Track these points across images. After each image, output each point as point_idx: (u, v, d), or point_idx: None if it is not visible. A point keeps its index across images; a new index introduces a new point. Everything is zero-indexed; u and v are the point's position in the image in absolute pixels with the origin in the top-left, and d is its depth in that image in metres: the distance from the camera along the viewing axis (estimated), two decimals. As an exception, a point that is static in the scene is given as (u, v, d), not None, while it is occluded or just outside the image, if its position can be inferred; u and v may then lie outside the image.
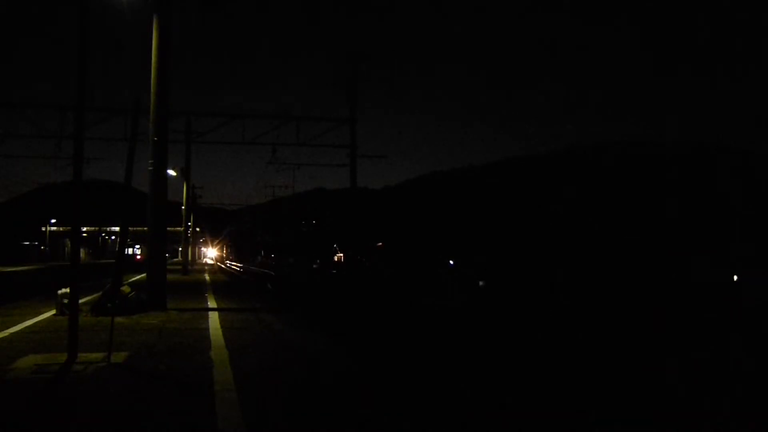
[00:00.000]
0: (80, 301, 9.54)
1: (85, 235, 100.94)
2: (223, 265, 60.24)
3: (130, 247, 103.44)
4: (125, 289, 14.06)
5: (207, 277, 33.84)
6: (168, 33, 14.16)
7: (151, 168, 13.98)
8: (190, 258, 46.43)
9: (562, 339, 12.85)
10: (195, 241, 64.42)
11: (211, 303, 16.33)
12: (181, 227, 41.96)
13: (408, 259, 73.60)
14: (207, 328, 10.91)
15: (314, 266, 68.33)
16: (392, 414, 5.77)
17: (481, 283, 33.46)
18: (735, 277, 37.64)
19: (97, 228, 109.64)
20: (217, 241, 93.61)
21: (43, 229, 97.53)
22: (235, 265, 57.51)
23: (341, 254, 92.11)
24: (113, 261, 15.69)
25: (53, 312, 12.62)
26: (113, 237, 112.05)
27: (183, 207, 40.44)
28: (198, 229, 73.46)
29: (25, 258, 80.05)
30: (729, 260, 51.49)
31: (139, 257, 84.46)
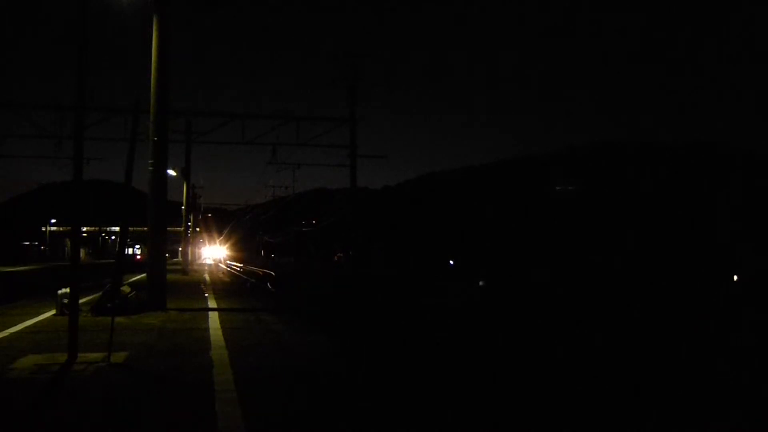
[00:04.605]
0: (80, 301, 9.54)
1: (85, 235, 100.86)
2: (223, 265, 60.24)
3: (130, 247, 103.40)
4: (125, 289, 14.07)
5: (207, 277, 33.84)
6: (168, 33, 14.17)
7: (151, 168, 13.97)
8: (190, 258, 46.42)
9: (559, 339, 12.85)
10: (195, 241, 64.36)
11: (211, 303, 16.33)
12: (181, 227, 41.95)
13: (408, 259, 73.60)
14: (207, 329, 10.91)
15: (315, 266, 68.31)
16: (390, 416, 5.77)
17: (481, 283, 33.48)
18: (735, 277, 37.66)
19: (97, 228, 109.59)
20: (217, 241, 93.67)
21: (43, 229, 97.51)
22: (235, 265, 57.48)
23: (341, 254, 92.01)
24: (113, 261, 15.64)
25: (53, 312, 12.62)
26: (113, 237, 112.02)
27: (183, 207, 40.43)
28: (198, 229, 73.37)
29: (25, 258, 80.00)
30: (729, 260, 51.47)
31: (139, 257, 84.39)
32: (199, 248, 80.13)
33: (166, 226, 14.80)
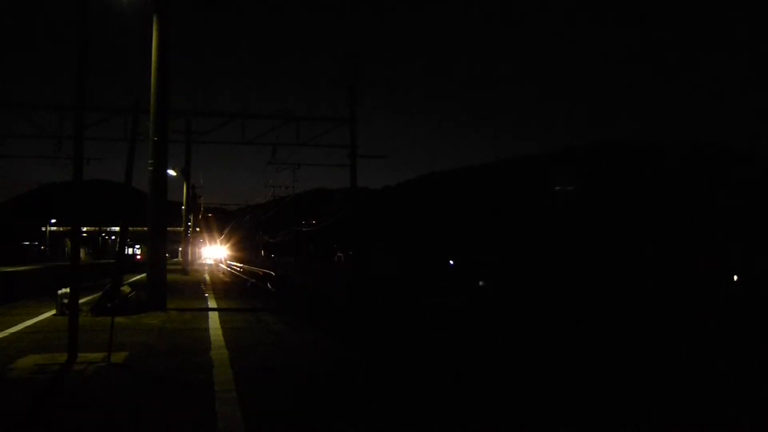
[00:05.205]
0: (80, 301, 9.54)
1: (85, 235, 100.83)
2: (223, 265, 60.25)
3: (130, 247, 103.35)
4: (125, 289, 14.07)
5: (207, 277, 33.83)
6: (168, 33, 14.17)
7: (151, 168, 13.97)
8: (190, 258, 46.41)
9: (559, 338, 12.85)
10: (195, 241, 64.38)
11: (211, 303, 16.33)
12: (182, 227, 41.94)
13: (408, 259, 73.57)
14: (207, 329, 10.91)
15: (315, 266, 68.27)
16: (390, 416, 5.76)
17: (480, 283, 33.48)
18: (735, 277, 37.65)
19: (97, 228, 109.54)
20: (218, 241, 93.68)
21: (43, 229, 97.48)
22: (236, 265, 57.51)
23: (341, 254, 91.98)
24: (113, 261, 15.64)
25: (53, 312, 12.61)
26: (113, 237, 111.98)
27: (183, 207, 40.41)
28: (198, 229, 73.36)
29: (25, 258, 79.94)
30: (728, 260, 51.47)
31: (139, 257, 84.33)
32: (200, 248, 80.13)
33: (166, 226, 14.80)
